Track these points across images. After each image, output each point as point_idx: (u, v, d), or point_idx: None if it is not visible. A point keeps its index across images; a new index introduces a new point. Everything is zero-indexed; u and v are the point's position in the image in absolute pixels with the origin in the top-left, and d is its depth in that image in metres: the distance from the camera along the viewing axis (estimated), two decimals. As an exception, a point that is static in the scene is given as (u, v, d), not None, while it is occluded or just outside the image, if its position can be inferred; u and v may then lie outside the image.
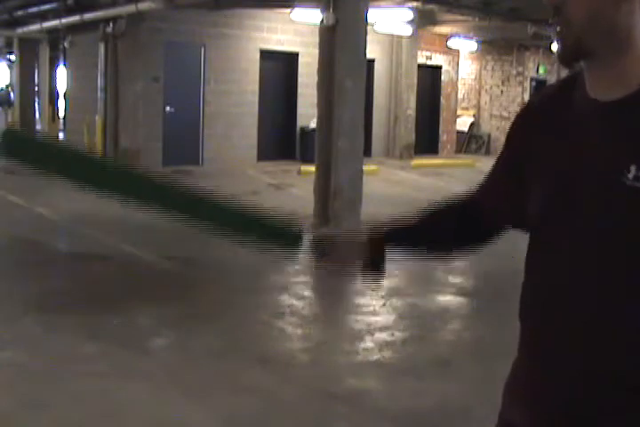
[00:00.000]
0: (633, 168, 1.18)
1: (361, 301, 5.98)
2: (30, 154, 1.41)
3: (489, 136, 20.90)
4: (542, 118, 1.38)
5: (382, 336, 5.04)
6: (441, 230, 1.63)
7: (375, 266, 1.56)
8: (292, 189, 12.09)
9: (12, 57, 21.99)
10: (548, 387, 1.32)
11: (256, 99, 15.10)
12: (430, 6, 13.68)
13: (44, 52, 20.00)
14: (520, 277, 1.40)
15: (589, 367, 1.27)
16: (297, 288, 6.31)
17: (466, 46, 19.00)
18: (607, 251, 1.24)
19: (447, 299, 6.20)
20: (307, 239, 1.50)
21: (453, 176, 14.57)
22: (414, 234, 1.63)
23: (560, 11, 1.25)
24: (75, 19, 14.30)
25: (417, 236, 1.64)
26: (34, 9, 15.63)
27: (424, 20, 15.53)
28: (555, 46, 1.33)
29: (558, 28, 1.27)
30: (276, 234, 1.49)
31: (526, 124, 1.44)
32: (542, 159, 1.35)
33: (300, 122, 15.70)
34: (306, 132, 15.22)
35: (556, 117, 1.35)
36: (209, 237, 1.50)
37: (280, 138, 15.80)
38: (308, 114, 14.46)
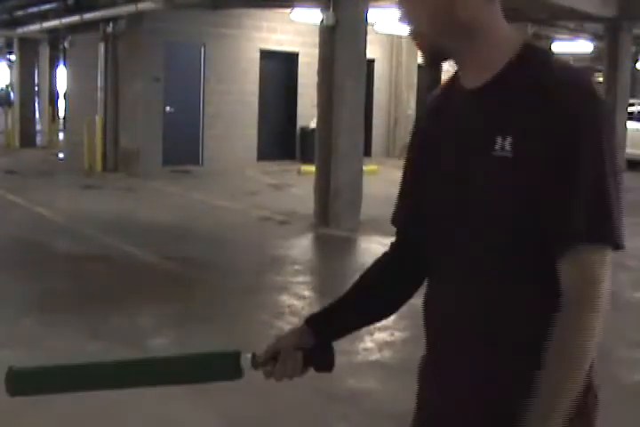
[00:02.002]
0: (499, 140, 1.31)
1: (361, 301, 5.97)
2: (40, 384, 1.46)
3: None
4: (432, 116, 1.50)
5: (382, 336, 5.04)
6: (371, 298, 1.64)
7: (319, 359, 1.60)
8: (292, 189, 12.09)
9: (12, 57, 22.01)
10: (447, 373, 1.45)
11: (256, 99, 15.10)
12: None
13: (44, 52, 20.04)
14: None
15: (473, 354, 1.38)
16: (297, 288, 6.31)
17: (466, 46, 19.01)
18: (485, 222, 1.35)
19: (447, 299, 6.19)
20: (244, 359, 1.58)
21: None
22: (345, 312, 1.65)
23: (411, 27, 1.41)
24: (75, 19, 14.30)
25: (349, 313, 1.64)
26: (34, 9, 15.65)
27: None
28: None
29: (416, 43, 1.41)
30: (212, 363, 1.57)
31: (422, 128, 1.54)
32: (435, 151, 1.46)
33: (300, 122, 15.70)
34: (306, 132, 15.21)
35: (443, 112, 1.47)
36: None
37: (280, 138, 15.80)
38: (307, 114, 14.46)
